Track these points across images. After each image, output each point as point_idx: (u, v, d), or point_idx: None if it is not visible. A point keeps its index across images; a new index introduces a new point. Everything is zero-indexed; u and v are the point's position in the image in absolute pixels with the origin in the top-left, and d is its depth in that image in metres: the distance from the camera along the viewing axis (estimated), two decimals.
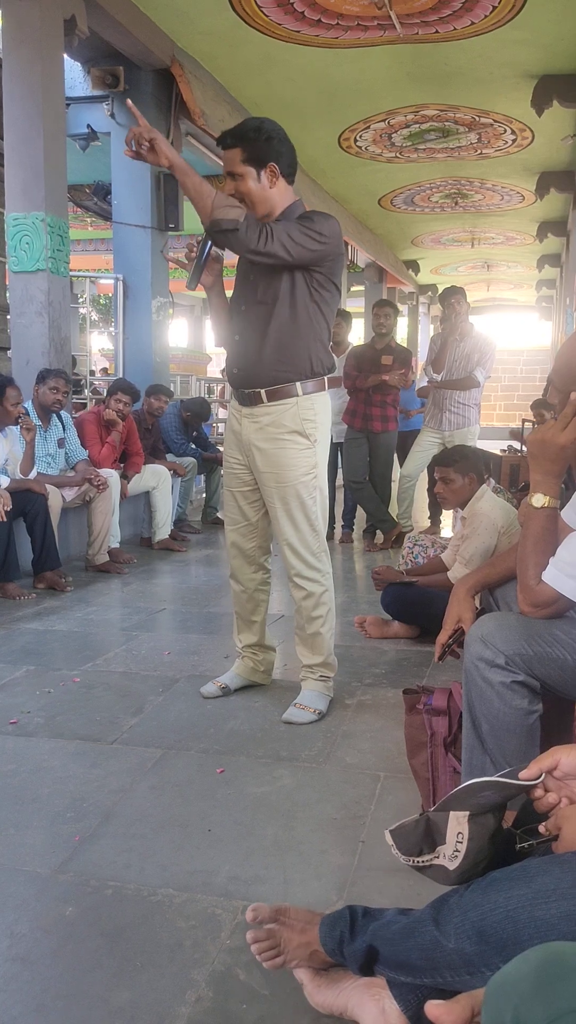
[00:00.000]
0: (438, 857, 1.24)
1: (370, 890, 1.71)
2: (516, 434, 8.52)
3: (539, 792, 1.20)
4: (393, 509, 6.06)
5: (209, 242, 2.52)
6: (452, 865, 1.21)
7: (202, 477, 6.87)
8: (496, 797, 1.22)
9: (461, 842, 1.20)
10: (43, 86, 4.73)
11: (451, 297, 5.66)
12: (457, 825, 1.21)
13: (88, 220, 10.14)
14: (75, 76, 6.09)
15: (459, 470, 3.29)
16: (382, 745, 2.43)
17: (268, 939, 1.31)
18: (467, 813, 1.21)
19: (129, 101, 2.48)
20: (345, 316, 6.29)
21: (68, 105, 5.57)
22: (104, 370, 12.82)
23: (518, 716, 1.63)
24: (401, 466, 6.29)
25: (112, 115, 6.26)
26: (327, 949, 1.28)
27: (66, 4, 4.79)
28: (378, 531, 5.92)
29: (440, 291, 6.06)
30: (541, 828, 1.18)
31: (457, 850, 1.21)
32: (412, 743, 2.03)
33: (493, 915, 1.08)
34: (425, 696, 1.99)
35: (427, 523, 6.50)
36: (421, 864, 1.27)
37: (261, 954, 1.31)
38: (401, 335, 14.27)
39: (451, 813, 1.23)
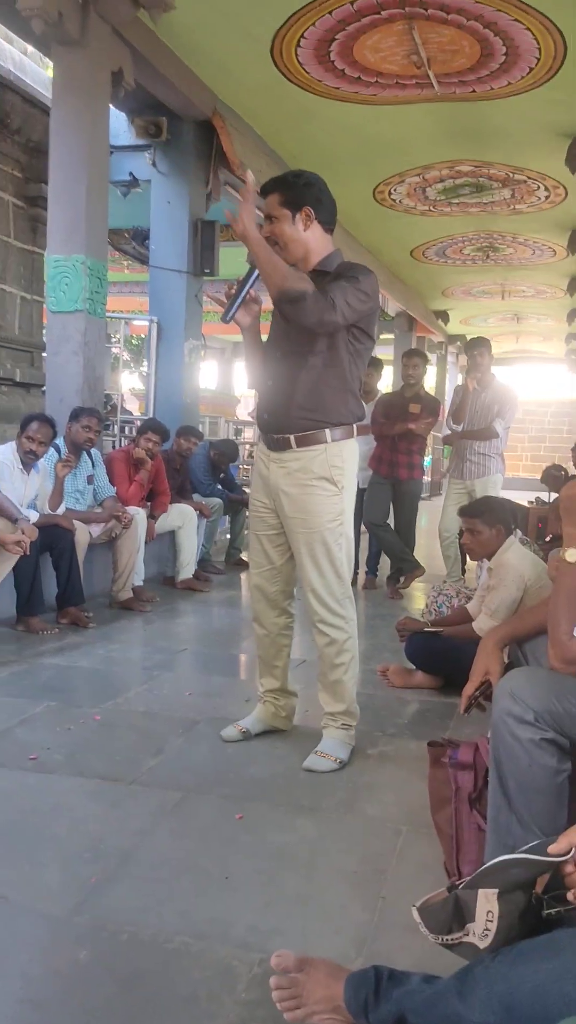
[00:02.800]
0: (468, 935, 1.21)
1: (391, 948, 1.67)
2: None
3: (569, 868, 1.16)
4: (420, 556, 6.03)
5: (249, 282, 2.52)
6: (483, 944, 1.19)
7: (227, 518, 6.90)
8: (525, 874, 1.19)
9: (491, 921, 1.18)
10: (89, 134, 4.87)
11: (474, 349, 5.71)
12: (487, 903, 1.19)
13: (125, 263, 10.33)
14: (119, 125, 6.27)
15: (486, 521, 3.28)
16: (404, 798, 2.39)
17: (291, 987, 1.28)
18: (496, 891, 1.19)
19: (250, 174, 2.54)
20: (376, 364, 6.33)
21: (112, 153, 5.72)
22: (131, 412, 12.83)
23: (546, 775, 1.60)
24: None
25: (153, 163, 6.43)
26: (351, 1010, 1.25)
27: (114, 57, 4.96)
28: (400, 574, 5.89)
29: (467, 341, 6.12)
30: (570, 896, 1.15)
31: (487, 929, 1.18)
32: (436, 797, 1.99)
33: (520, 989, 1.05)
34: (451, 749, 1.96)
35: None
36: (451, 942, 1.24)
37: (282, 1003, 1.28)
38: (430, 384, 14.32)
39: (480, 891, 1.20)
